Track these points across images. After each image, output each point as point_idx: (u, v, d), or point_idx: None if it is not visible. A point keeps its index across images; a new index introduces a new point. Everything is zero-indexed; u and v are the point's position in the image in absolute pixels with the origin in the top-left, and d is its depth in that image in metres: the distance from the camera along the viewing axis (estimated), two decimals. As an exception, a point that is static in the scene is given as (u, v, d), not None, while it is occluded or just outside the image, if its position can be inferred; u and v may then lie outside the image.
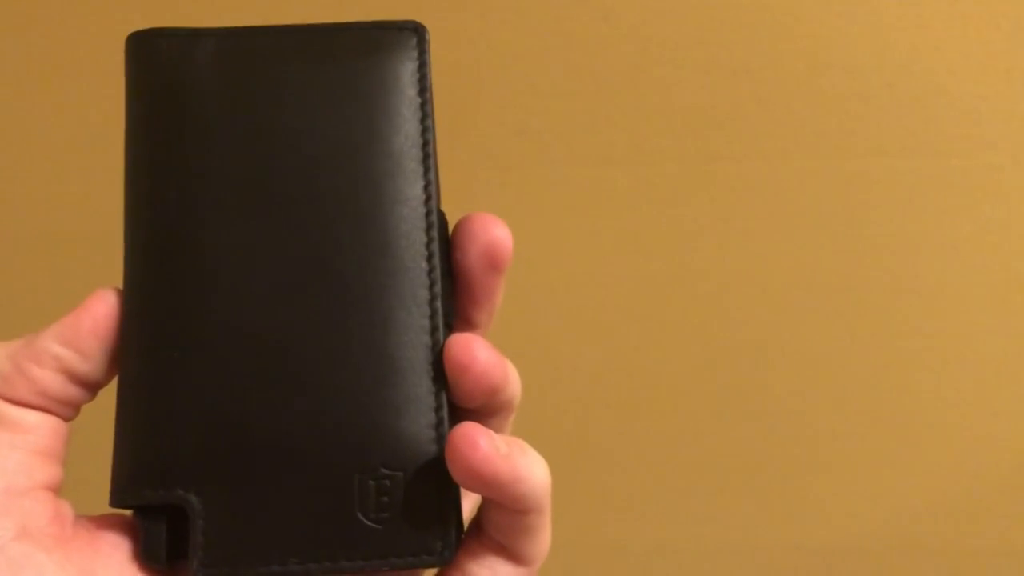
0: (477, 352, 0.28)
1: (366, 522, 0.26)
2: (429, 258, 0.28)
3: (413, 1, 0.76)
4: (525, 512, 0.29)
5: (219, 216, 0.27)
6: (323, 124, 0.27)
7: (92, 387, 0.29)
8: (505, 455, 0.27)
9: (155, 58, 0.28)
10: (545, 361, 0.81)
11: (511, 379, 0.29)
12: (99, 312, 0.28)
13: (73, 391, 0.28)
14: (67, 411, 0.29)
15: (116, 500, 0.27)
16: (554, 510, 0.87)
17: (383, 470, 0.26)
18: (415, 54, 0.29)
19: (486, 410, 0.29)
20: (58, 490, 0.29)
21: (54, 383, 0.28)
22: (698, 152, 0.79)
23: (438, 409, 0.27)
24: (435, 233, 0.28)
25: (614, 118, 0.79)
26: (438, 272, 0.28)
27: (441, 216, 0.29)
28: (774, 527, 0.84)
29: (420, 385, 0.27)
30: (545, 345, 0.81)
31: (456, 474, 0.27)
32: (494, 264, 0.29)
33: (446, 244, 0.29)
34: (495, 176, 0.79)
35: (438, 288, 0.28)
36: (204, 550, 0.26)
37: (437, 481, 0.27)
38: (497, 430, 0.30)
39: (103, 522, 0.28)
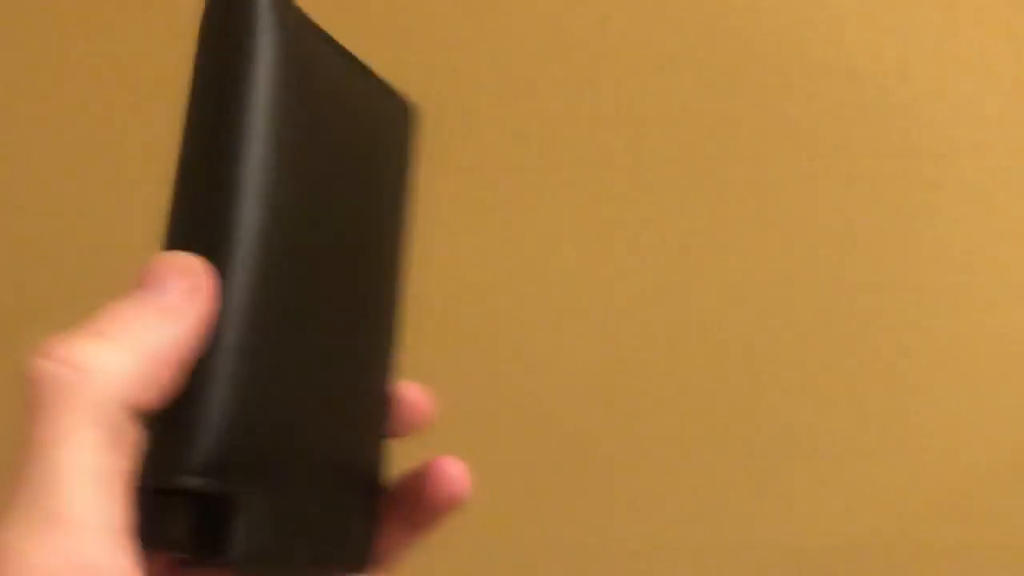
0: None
1: (364, 523, 0.31)
2: (399, 304, 0.33)
3: (417, 8, 0.77)
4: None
5: (284, 200, 0.28)
6: (358, 151, 0.30)
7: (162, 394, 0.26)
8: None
9: (239, 24, 0.28)
10: (546, 361, 0.81)
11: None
12: (179, 278, 0.25)
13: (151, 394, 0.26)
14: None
15: (157, 481, 0.26)
16: (556, 510, 0.87)
17: (368, 473, 0.31)
18: (412, 126, 0.33)
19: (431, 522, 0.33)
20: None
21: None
22: (697, 156, 0.79)
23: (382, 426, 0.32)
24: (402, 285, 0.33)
25: (614, 122, 0.78)
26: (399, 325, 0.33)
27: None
28: (772, 527, 0.84)
29: (379, 393, 0.32)
30: (546, 346, 0.81)
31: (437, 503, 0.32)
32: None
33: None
34: (497, 179, 0.79)
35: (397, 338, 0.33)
36: (239, 540, 0.27)
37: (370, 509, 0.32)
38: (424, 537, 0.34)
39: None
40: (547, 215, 0.80)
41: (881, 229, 0.79)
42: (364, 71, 0.31)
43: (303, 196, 0.28)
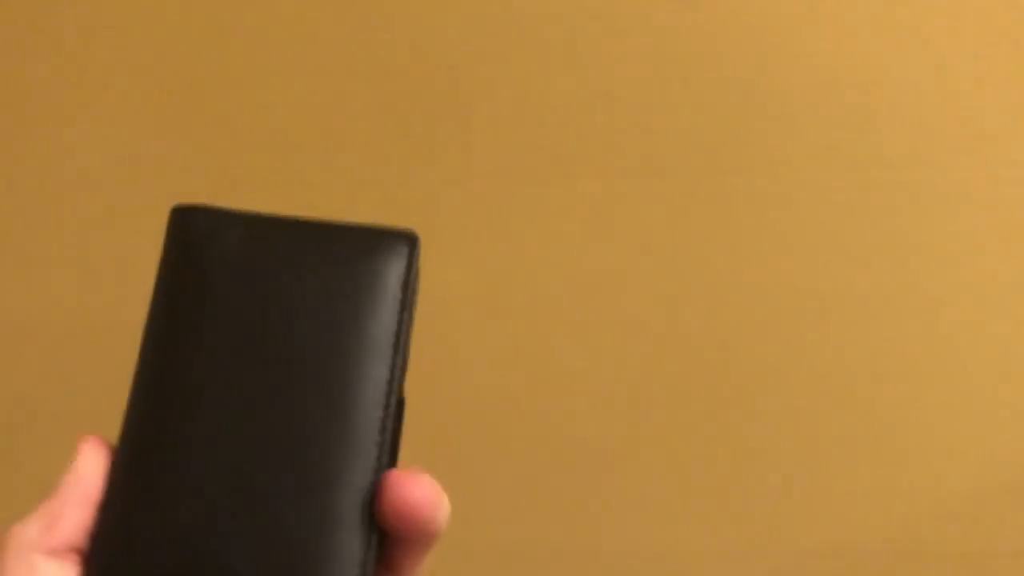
0: (415, 487, 0.32)
1: None
2: (382, 431, 0.33)
3: (430, 20, 0.77)
4: (434, 543, 0.33)
5: (211, 368, 0.33)
6: (315, 308, 0.34)
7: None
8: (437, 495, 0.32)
9: (188, 233, 0.35)
10: (555, 367, 0.81)
11: (442, 514, 0.32)
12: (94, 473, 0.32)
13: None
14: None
15: None
16: (564, 515, 0.87)
17: None
18: (404, 259, 0.35)
19: (414, 543, 0.33)
20: None
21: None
22: (708, 166, 0.79)
23: (364, 566, 0.31)
24: (391, 411, 0.33)
25: (627, 132, 0.78)
26: (387, 445, 0.33)
27: (400, 400, 0.34)
28: (779, 530, 0.84)
29: (355, 539, 0.31)
30: (556, 352, 0.81)
31: (394, 508, 0.31)
32: (414, 526, 0.32)
33: (399, 422, 0.34)
34: (509, 188, 0.79)
35: (384, 459, 0.33)
36: None
37: None
38: (418, 559, 0.33)
39: None
40: (559, 224, 0.79)
41: (893, 235, 0.79)
42: (323, 233, 0.35)
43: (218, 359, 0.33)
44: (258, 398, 0.32)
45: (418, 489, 0.31)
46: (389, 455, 0.33)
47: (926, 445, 0.82)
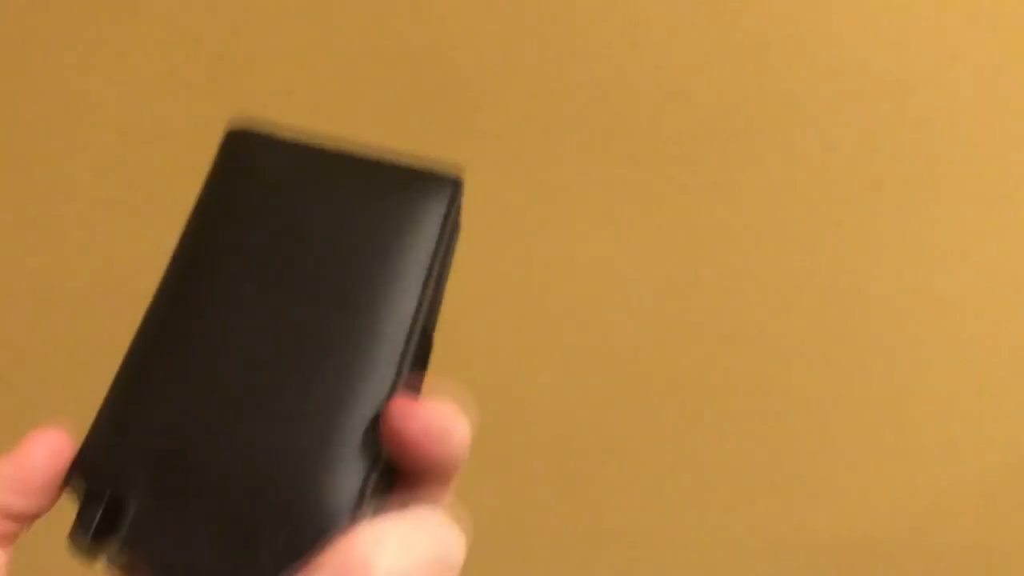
0: (411, 420, 0.30)
1: (268, 564, 0.29)
2: (400, 363, 0.32)
3: (445, 7, 0.77)
4: (451, 475, 0.31)
5: (237, 282, 0.33)
6: (351, 237, 0.34)
7: (32, 519, 0.31)
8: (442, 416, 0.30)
9: (237, 154, 0.36)
10: (563, 354, 0.82)
11: (452, 442, 0.30)
12: (40, 459, 0.30)
13: (11, 527, 0.30)
14: (6, 542, 0.30)
15: (67, 477, 0.31)
16: (572, 504, 0.88)
17: (299, 522, 0.30)
18: (445, 199, 0.35)
19: (426, 475, 0.31)
20: None
21: None
22: (720, 155, 0.78)
23: (364, 484, 0.30)
24: (411, 346, 0.33)
25: (638, 121, 0.78)
26: (403, 378, 0.32)
27: (427, 340, 0.34)
28: (788, 520, 0.84)
29: (360, 456, 0.31)
30: (564, 338, 0.81)
31: (391, 437, 0.30)
32: (414, 458, 0.30)
33: (423, 361, 0.34)
34: (519, 174, 0.79)
35: (400, 382, 0.32)
36: (127, 534, 0.29)
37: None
38: (437, 492, 0.31)
39: None
40: (567, 211, 0.79)
41: (906, 228, 0.79)
42: (370, 167, 0.36)
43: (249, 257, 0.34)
44: (279, 313, 0.32)
45: (416, 421, 0.30)
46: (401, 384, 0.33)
47: (937, 436, 0.82)
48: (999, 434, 0.81)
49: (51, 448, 0.30)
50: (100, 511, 0.30)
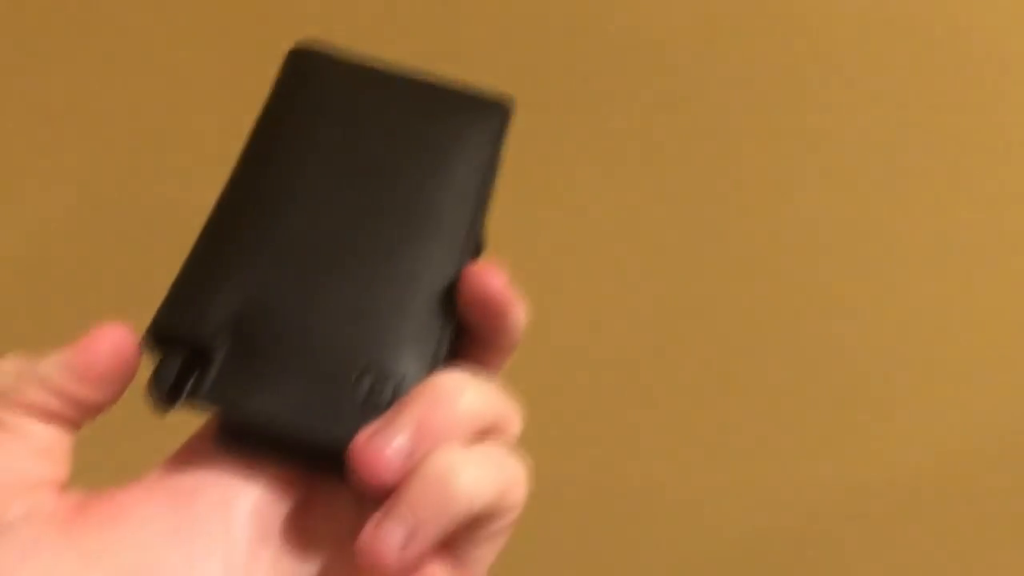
0: (493, 277, 0.32)
1: (354, 408, 0.30)
2: (464, 244, 0.35)
3: None
4: (509, 349, 0.34)
5: (312, 172, 0.35)
6: (410, 150, 0.36)
7: (94, 410, 0.31)
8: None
9: (300, 71, 0.38)
10: (592, 304, 0.81)
11: (518, 312, 0.33)
12: (104, 349, 0.30)
13: (73, 413, 0.30)
14: (69, 426, 0.30)
15: (152, 329, 0.31)
16: (598, 449, 0.87)
17: (382, 371, 0.31)
18: (499, 120, 0.38)
19: (487, 340, 0.33)
20: (64, 486, 0.30)
21: (51, 405, 0.29)
22: (752, 102, 0.78)
23: (440, 339, 0.33)
24: (474, 234, 0.36)
25: (667, 67, 0.77)
26: (467, 258, 0.35)
27: (479, 239, 0.37)
28: (816, 465, 0.84)
29: (434, 317, 0.33)
30: (588, 288, 0.81)
31: (473, 291, 0.32)
32: (488, 315, 0.33)
33: (477, 253, 0.37)
34: (539, 125, 0.79)
35: (465, 260, 0.34)
36: (211, 386, 0.30)
37: None
38: (493, 366, 0.34)
39: (116, 496, 0.30)
40: (593, 160, 0.79)
41: (937, 182, 0.79)
42: (428, 88, 0.38)
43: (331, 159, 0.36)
44: (349, 203, 0.34)
45: (496, 279, 0.32)
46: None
47: (964, 385, 0.82)
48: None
49: (115, 342, 0.30)
50: (180, 362, 0.31)
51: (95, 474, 0.32)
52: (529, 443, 0.33)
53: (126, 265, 0.79)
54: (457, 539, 0.30)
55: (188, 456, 0.31)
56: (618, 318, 0.81)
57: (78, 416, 0.30)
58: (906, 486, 0.84)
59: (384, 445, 0.29)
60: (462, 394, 0.30)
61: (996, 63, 0.77)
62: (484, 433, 0.30)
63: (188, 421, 0.32)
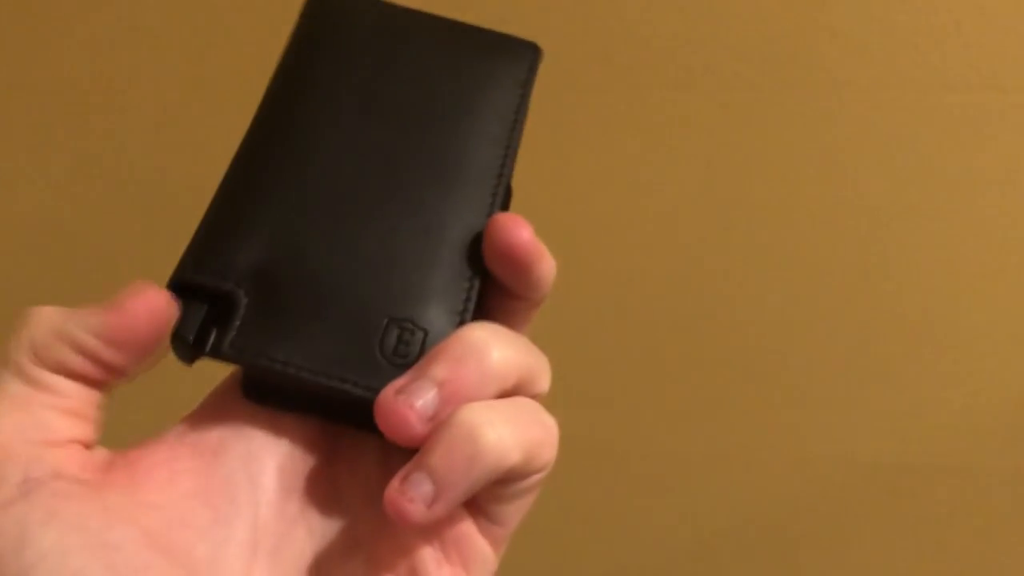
0: (519, 229, 0.31)
1: (381, 359, 0.30)
2: (493, 193, 0.33)
3: None
4: (537, 302, 0.32)
5: (336, 116, 0.34)
6: (440, 90, 0.35)
7: (123, 374, 0.29)
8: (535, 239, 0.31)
9: (322, 10, 0.36)
10: (613, 270, 0.81)
11: (545, 265, 0.31)
12: (140, 314, 0.29)
13: (102, 374, 0.29)
14: (101, 386, 0.29)
15: (174, 278, 0.30)
16: (613, 419, 0.87)
17: (409, 324, 0.30)
18: (527, 63, 0.37)
19: (515, 293, 0.32)
20: (91, 446, 0.29)
21: (82, 367, 0.28)
22: (769, 80, 0.77)
23: (468, 292, 0.32)
24: (504, 180, 0.34)
25: (688, 43, 0.77)
26: (496, 206, 0.33)
27: (509, 188, 0.35)
28: (824, 440, 0.84)
29: (462, 269, 0.32)
30: (615, 257, 0.81)
31: (498, 244, 0.31)
32: (515, 267, 0.32)
33: (506, 205, 0.35)
34: (575, 100, 0.78)
35: (495, 211, 0.33)
36: (236, 335, 0.30)
37: None
38: (521, 320, 0.33)
39: (141, 454, 0.29)
40: (622, 135, 0.78)
41: (950, 159, 0.78)
42: (456, 29, 0.37)
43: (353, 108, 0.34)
44: (377, 147, 0.33)
45: (522, 231, 0.31)
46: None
47: (974, 362, 0.82)
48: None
49: (151, 306, 0.29)
50: (203, 313, 0.30)
51: (119, 427, 0.32)
52: (552, 401, 0.32)
53: (138, 239, 0.79)
54: (486, 495, 0.29)
55: (211, 411, 0.31)
56: (644, 284, 0.81)
57: (110, 378, 0.29)
58: (915, 461, 0.84)
59: (412, 401, 0.28)
60: (491, 349, 0.29)
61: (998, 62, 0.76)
62: (513, 388, 0.30)
63: (213, 369, 0.32)
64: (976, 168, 0.77)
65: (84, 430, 0.29)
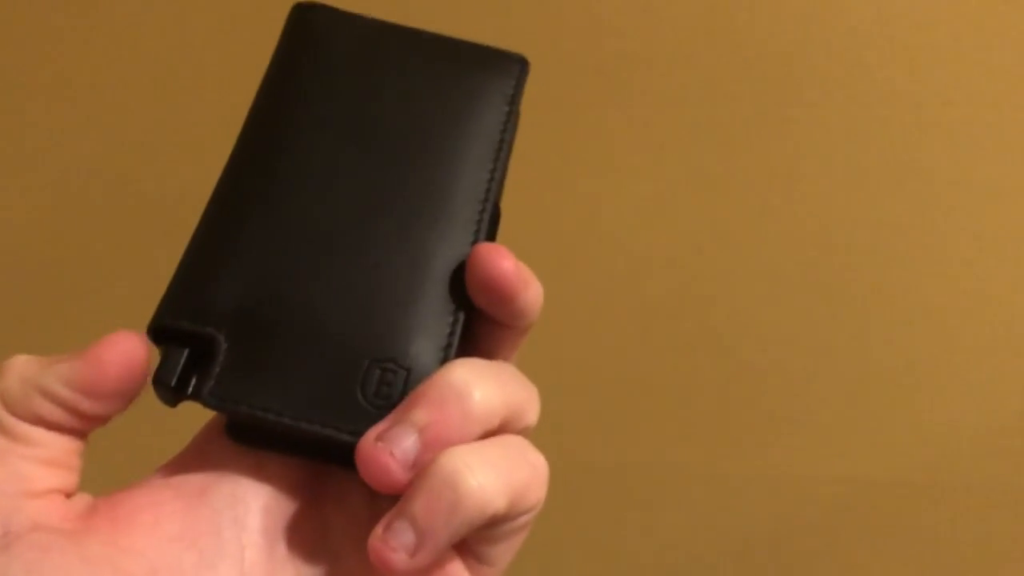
0: (500, 260, 0.30)
1: (362, 403, 0.29)
2: (478, 220, 0.33)
3: None
4: (525, 329, 0.32)
5: (317, 143, 0.33)
6: (424, 108, 0.34)
7: (100, 421, 0.29)
8: (519, 267, 0.31)
9: (306, 27, 0.35)
10: (608, 288, 0.80)
11: (530, 293, 0.31)
12: (113, 363, 0.28)
13: (80, 423, 0.29)
14: (77, 435, 0.29)
15: (154, 323, 0.30)
16: (607, 438, 0.87)
17: (392, 364, 0.30)
18: (513, 78, 0.36)
19: (501, 322, 0.32)
20: (72, 493, 0.29)
21: (58, 417, 0.28)
22: (764, 96, 0.77)
23: (453, 327, 0.31)
24: (489, 205, 0.33)
25: (680, 58, 0.76)
26: (482, 235, 0.33)
27: (496, 209, 0.34)
28: (823, 458, 0.84)
29: (446, 302, 0.31)
30: (609, 275, 0.80)
31: (479, 276, 0.30)
32: (498, 299, 0.31)
33: (494, 227, 0.34)
34: (565, 113, 0.77)
35: (480, 239, 0.32)
36: (216, 382, 0.29)
37: None
38: (509, 347, 0.32)
39: (124, 498, 0.29)
40: (622, 149, 0.78)
41: (945, 174, 0.77)
42: (440, 44, 0.36)
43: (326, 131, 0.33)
44: (358, 175, 0.33)
45: (504, 261, 0.30)
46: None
47: (971, 379, 0.81)
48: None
49: (125, 354, 0.29)
50: (183, 357, 0.30)
51: (104, 468, 0.32)
52: (546, 425, 0.32)
53: (128, 256, 0.79)
54: (475, 536, 0.29)
55: (196, 454, 0.31)
56: (637, 301, 0.80)
57: (88, 426, 0.29)
58: (916, 479, 0.84)
59: (392, 448, 0.28)
60: (473, 390, 0.28)
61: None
62: (499, 427, 0.29)
63: (197, 411, 0.31)
64: (977, 185, 0.77)
65: (64, 479, 0.29)
